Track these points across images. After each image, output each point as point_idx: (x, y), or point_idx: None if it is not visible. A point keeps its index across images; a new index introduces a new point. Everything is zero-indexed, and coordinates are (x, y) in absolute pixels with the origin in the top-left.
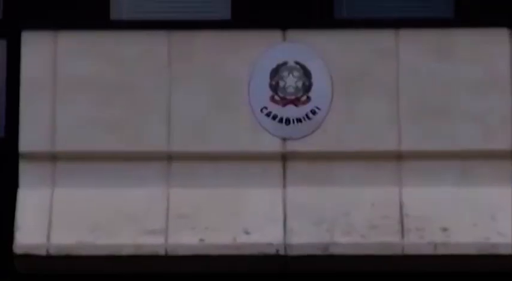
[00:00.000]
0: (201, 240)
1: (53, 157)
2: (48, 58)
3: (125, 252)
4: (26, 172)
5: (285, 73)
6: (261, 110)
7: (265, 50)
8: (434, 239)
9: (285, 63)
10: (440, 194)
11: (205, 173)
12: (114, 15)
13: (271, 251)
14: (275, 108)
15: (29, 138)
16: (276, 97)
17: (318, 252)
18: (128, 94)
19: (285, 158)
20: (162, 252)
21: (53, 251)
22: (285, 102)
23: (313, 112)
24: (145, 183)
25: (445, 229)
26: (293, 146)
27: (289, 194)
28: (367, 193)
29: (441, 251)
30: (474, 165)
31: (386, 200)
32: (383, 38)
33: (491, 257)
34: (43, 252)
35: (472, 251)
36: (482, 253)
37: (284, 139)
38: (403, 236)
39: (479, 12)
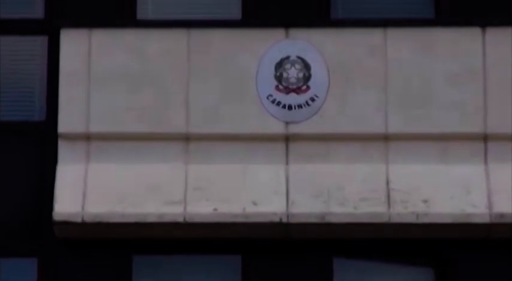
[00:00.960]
0: (215, 210)
1: (87, 137)
2: (83, 52)
3: (149, 220)
4: (64, 150)
5: (288, 66)
6: (267, 98)
7: (270, 45)
8: (416, 210)
9: (287, 57)
10: (422, 171)
11: (218, 151)
12: (140, 15)
13: (276, 219)
14: (279, 96)
15: (67, 121)
16: (280, 86)
17: (316, 220)
18: (152, 84)
19: (287, 139)
20: (181, 220)
21: (87, 219)
22: (288, 91)
23: (312, 99)
24: (167, 160)
25: (425, 201)
26: (295, 129)
27: (291, 170)
28: (358, 169)
29: (422, 220)
30: (451, 146)
31: (375, 176)
32: (373, 36)
33: (466, 226)
34: (79, 220)
35: (449, 220)
36: (457, 222)
37: (287, 123)
38: (389, 207)
39: (456, 13)
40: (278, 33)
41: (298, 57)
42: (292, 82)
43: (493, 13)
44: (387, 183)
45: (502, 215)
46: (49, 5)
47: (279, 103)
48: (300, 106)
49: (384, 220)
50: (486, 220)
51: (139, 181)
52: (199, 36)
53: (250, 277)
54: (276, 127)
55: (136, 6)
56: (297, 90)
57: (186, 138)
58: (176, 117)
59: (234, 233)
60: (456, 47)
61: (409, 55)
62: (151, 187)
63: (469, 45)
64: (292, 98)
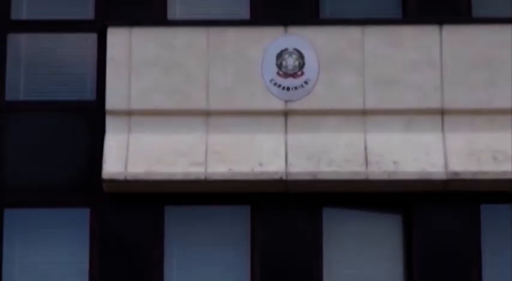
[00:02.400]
0: (229, 169)
1: (128, 113)
2: (125, 45)
3: (177, 178)
4: (111, 123)
5: (286, 56)
6: (270, 81)
7: (272, 40)
8: (387, 169)
9: (286, 49)
10: (392, 138)
11: (231, 124)
12: (170, 15)
13: (277, 177)
14: (279, 80)
15: (112, 100)
16: (280, 72)
17: (309, 178)
18: (179, 70)
19: (286, 114)
20: (202, 178)
21: (128, 177)
22: (286, 76)
23: (306, 82)
24: (191, 131)
25: (395, 162)
26: (292, 106)
27: (289, 138)
28: (342, 138)
29: (392, 177)
30: (415, 119)
31: (355, 142)
32: (353, 32)
33: (427, 181)
34: (122, 177)
35: (414, 177)
36: (420, 178)
37: (286, 101)
38: (366, 167)
39: (419, 14)
40: (278, 30)
41: (295, 49)
42: (289, 69)
43: (448, 14)
44: (365, 148)
45: (455, 173)
46: (98, 8)
47: (279, 86)
48: (296, 88)
49: (362, 177)
50: (443, 177)
51: (169, 147)
52: (216, 32)
53: (257, 223)
54: (277, 105)
55: (167, 9)
56: (294, 75)
57: (207, 113)
58: (198, 97)
59: (244, 188)
60: (418, 41)
61: (382, 47)
62: (178, 152)
63: (429, 39)
64: (290, 82)
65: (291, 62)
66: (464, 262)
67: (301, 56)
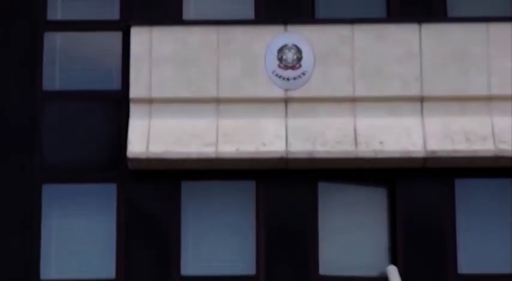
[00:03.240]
0: (237, 149)
1: (149, 101)
2: (146, 42)
3: (192, 156)
4: (134, 109)
5: (286, 51)
6: (272, 72)
7: (274, 37)
8: (374, 148)
9: (286, 45)
10: (378, 122)
11: (239, 110)
12: (185, 16)
13: (278, 155)
14: (280, 72)
15: (135, 90)
16: (281, 65)
17: (306, 156)
18: (193, 63)
19: (286, 101)
20: (213, 156)
21: (150, 156)
22: (286, 68)
23: (303, 74)
24: (204, 116)
25: (381, 142)
26: (291, 94)
27: (289, 122)
28: (335, 121)
29: (378, 155)
30: (398, 105)
31: (346, 125)
32: (344, 30)
33: (408, 159)
34: (144, 156)
35: (397, 155)
36: (402, 156)
37: (286, 90)
38: (356, 146)
39: (401, 14)
40: (279, 29)
41: (294, 45)
42: (289, 62)
43: (426, 14)
44: (354, 130)
45: (433, 152)
46: (122, 10)
47: (280, 76)
48: (294, 78)
49: (353, 155)
50: (422, 155)
51: (185, 130)
52: (225, 31)
53: (261, 196)
54: (278, 93)
55: (182, 10)
56: (293, 68)
57: (217, 101)
58: (210, 87)
59: (250, 165)
60: (401, 37)
61: (369, 43)
62: (193, 134)
63: (410, 35)
64: (289, 73)
65: (290, 56)
66: (441, 229)
67: (299, 51)
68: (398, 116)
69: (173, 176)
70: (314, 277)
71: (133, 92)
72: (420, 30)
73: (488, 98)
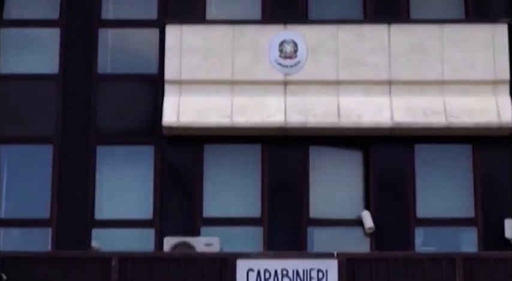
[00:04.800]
0: (247, 120)
1: (180, 82)
2: (177, 37)
3: (212, 125)
4: (168, 89)
5: (285, 44)
6: (274, 61)
7: (276, 33)
8: (353, 120)
9: (285, 40)
10: (357, 100)
11: (249, 89)
12: (208, 17)
13: (279, 125)
14: (281, 60)
15: (169, 73)
16: (281, 55)
17: (300, 126)
18: (214, 54)
19: (285, 83)
20: (229, 125)
21: (180, 125)
22: (285, 58)
23: (299, 62)
24: (221, 94)
25: (358, 116)
26: (289, 78)
27: (287, 99)
28: (323, 99)
29: (356, 126)
30: (371, 87)
31: (331, 102)
32: (331, 28)
33: (379, 128)
34: (175, 125)
35: (371, 125)
36: (375, 127)
37: (285, 75)
38: (339, 118)
39: (375, 15)
40: (280, 27)
41: (291, 40)
42: (287, 53)
43: (395, 16)
44: (338, 106)
45: (398, 123)
46: (159, 11)
47: (280, 64)
48: (292, 66)
49: (336, 125)
50: (390, 125)
51: (207, 105)
52: (238, 28)
53: (265, 156)
54: (279, 77)
55: (206, 11)
56: (290, 58)
57: (232, 82)
58: (226, 71)
59: (257, 132)
60: (374, 34)
61: (350, 39)
62: (213, 108)
63: (381, 33)
64: (288, 62)
65: (288, 48)
66: (404, 183)
67: (295, 44)
68: (371, 96)
69: (197, 140)
70: (306, 219)
71: (167, 75)
72: (389, 29)
73: (442, 82)
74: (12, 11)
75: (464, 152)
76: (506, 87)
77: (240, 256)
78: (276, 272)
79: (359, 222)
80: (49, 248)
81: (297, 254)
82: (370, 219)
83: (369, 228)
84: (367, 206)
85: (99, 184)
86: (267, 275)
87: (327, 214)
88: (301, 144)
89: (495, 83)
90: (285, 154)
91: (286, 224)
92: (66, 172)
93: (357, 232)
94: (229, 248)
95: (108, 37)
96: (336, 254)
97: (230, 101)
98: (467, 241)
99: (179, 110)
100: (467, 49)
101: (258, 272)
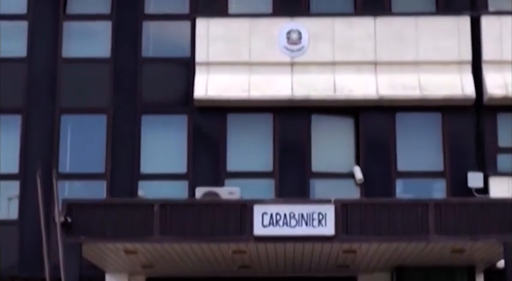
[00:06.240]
0: (261, 94)
1: (207, 64)
2: (205, 27)
3: (233, 98)
4: (199, 69)
5: (292, 33)
6: (283, 47)
7: (284, 24)
8: (346, 93)
9: (292, 29)
10: (349, 77)
11: (262, 69)
12: (229, 11)
13: (287, 98)
14: (288, 46)
15: (199, 56)
16: (289, 42)
17: (304, 98)
18: (234, 40)
19: (292, 64)
20: (247, 98)
21: (208, 98)
22: (292, 44)
23: (302, 47)
24: (241, 73)
25: (350, 90)
26: (295, 60)
27: (294, 77)
28: (322, 77)
29: (349, 97)
30: (362, 66)
31: (328, 79)
32: (328, 20)
33: (368, 100)
34: (204, 98)
35: (360, 97)
36: (364, 98)
37: (292, 57)
38: (335, 92)
39: (363, 10)
40: (288, 19)
41: (296, 29)
42: (294, 40)
43: (379, 10)
44: (334, 82)
45: (382, 96)
46: (191, 6)
47: (288, 49)
48: (297, 50)
49: (333, 98)
50: (375, 98)
51: (229, 82)
52: (254, 20)
53: (277, 124)
54: (287, 59)
55: (228, 5)
56: (296, 43)
57: (249, 64)
58: (245, 55)
59: (270, 104)
60: (362, 25)
61: (343, 29)
62: (234, 85)
63: (368, 24)
64: (294, 47)
65: (294, 36)
66: (387, 144)
67: (299, 33)
68: (361, 73)
69: (222, 110)
70: (308, 173)
71: (197, 58)
72: (375, 20)
73: (417, 63)
74: (73, 8)
75: (436, 119)
76: (469, 67)
77: (256, 202)
78: (285, 215)
79: (351, 175)
80: (104, 196)
81: (302, 200)
82: (360, 172)
83: (359, 180)
84: (357, 163)
85: (143, 145)
86: (278, 217)
87: (326, 168)
88: (304, 113)
89: (460, 63)
90: (291, 121)
91: (292, 177)
92: (117, 136)
93: (349, 183)
94: (247, 196)
95: (150, 28)
96: (332, 201)
97: (247, 78)
98: (438, 190)
99: (207, 86)
100: (437, 36)
101: (271, 215)
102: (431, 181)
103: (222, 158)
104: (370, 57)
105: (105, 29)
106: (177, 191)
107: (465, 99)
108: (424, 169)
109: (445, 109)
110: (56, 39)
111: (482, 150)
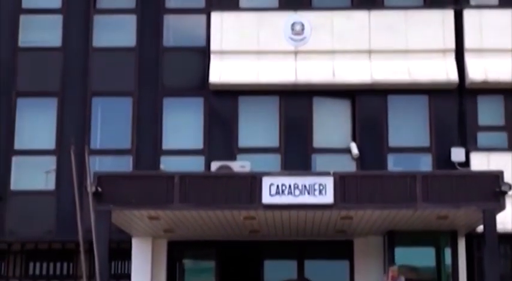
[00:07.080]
0: (268, 79)
1: (221, 52)
2: (219, 20)
3: (244, 82)
4: (213, 56)
5: (296, 25)
6: (288, 37)
7: (289, 17)
8: (344, 77)
9: (296, 22)
10: (346, 63)
11: (270, 56)
12: (240, 6)
13: (292, 82)
14: (293, 36)
15: (214, 45)
16: (293, 32)
17: (306, 82)
18: (245, 31)
19: (296, 52)
20: (256, 82)
21: (221, 82)
22: (296, 34)
23: (305, 37)
24: (251, 60)
25: (347, 75)
26: (299, 48)
27: (297, 64)
28: (322, 62)
29: (346, 81)
30: (358, 55)
31: (328, 65)
32: (328, 14)
33: (363, 84)
34: (218, 82)
35: (357, 82)
36: (360, 83)
37: (296, 46)
38: (334, 77)
39: (359, 5)
40: (292, 13)
41: (300, 22)
42: (297, 31)
43: (372, 5)
44: (333, 68)
45: (376, 80)
46: (207, 2)
47: (292, 39)
48: (300, 40)
49: (331, 82)
50: (370, 82)
51: (240, 67)
52: (262, 13)
53: (282, 105)
54: (291, 48)
55: (239, 2)
56: (299, 34)
57: (258, 52)
58: (254, 44)
59: (276, 88)
60: (358, 17)
61: (341, 21)
62: (245, 69)
63: (363, 17)
64: (297, 37)
65: (298, 27)
66: (380, 122)
67: (302, 25)
68: (357, 60)
69: (234, 93)
70: (310, 148)
71: (212, 47)
72: (369, 13)
73: (406, 51)
74: (102, 3)
75: (423, 101)
76: (453, 55)
77: (265, 174)
78: (289, 185)
79: (348, 150)
80: (130, 169)
81: (304, 173)
82: (356, 148)
83: (355, 154)
84: (353, 139)
85: (165, 124)
86: (283, 187)
87: (326, 144)
88: (307, 96)
89: (444, 51)
90: (295, 103)
91: (296, 152)
92: (141, 116)
93: (346, 157)
94: (257, 169)
95: (170, 21)
96: (331, 173)
97: (256, 65)
98: (425, 163)
99: (221, 72)
100: (424, 27)
101: (277, 186)
102: (418, 155)
103: (234, 136)
104: (365, 46)
105: (130, 21)
106: (194, 164)
107: (449, 83)
108: (412, 145)
109: (431, 92)
110: (87, 30)
111: (464, 128)
